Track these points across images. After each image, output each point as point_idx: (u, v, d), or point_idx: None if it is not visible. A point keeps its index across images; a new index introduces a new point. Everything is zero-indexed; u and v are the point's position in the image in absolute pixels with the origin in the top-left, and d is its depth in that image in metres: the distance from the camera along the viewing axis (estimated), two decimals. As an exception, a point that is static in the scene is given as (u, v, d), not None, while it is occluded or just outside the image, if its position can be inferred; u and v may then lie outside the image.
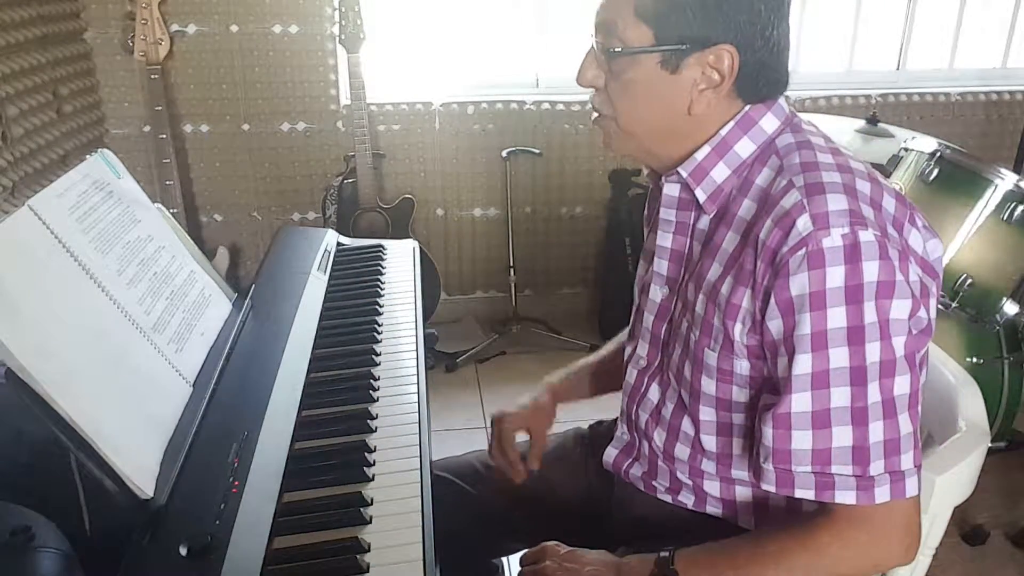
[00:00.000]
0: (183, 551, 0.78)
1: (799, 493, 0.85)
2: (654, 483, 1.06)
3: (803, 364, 0.82)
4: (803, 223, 0.81)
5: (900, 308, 0.81)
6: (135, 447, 0.86)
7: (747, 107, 0.92)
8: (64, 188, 0.98)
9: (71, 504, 0.80)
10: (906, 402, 0.83)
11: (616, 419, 1.18)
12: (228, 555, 0.79)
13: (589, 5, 0.93)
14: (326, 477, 0.99)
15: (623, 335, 1.23)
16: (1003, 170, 1.89)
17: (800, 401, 0.83)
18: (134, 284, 1.02)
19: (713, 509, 1.02)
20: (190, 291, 1.14)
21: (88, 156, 1.06)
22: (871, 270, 0.80)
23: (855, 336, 0.80)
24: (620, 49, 0.89)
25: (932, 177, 1.97)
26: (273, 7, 2.65)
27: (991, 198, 1.89)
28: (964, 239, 1.90)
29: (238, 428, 0.97)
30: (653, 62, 0.88)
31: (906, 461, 0.83)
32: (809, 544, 0.86)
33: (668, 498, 1.05)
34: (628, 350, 1.11)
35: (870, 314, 0.80)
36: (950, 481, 0.97)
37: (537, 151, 2.89)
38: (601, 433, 1.24)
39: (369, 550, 0.88)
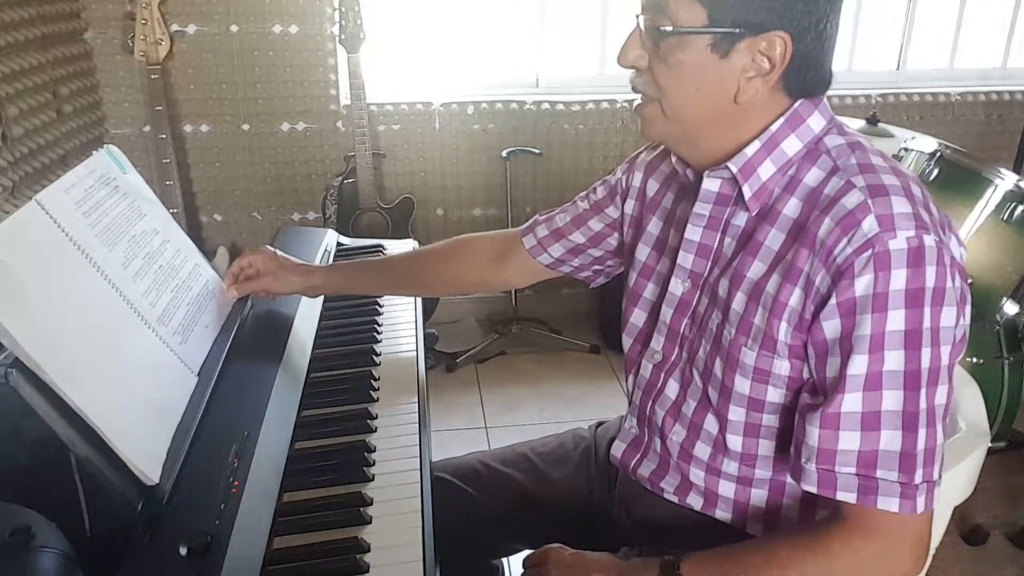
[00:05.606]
0: (183, 551, 0.78)
1: (841, 496, 0.83)
2: (661, 484, 1.05)
3: (858, 365, 0.81)
4: (869, 224, 0.80)
5: (949, 316, 0.81)
6: (141, 434, 0.86)
7: (796, 104, 0.90)
8: (71, 183, 0.99)
9: (71, 504, 0.80)
10: (943, 412, 0.83)
11: (621, 416, 1.18)
12: (228, 555, 0.79)
13: (589, 5, 0.93)
14: (326, 477, 0.99)
15: (431, 247, 1.32)
16: (1003, 170, 1.90)
17: (851, 401, 0.81)
18: (140, 277, 1.03)
19: (722, 514, 1.00)
20: (195, 284, 1.15)
21: (94, 152, 1.07)
22: (931, 275, 0.79)
23: (912, 340, 0.80)
24: (671, 29, 0.85)
25: (932, 177, 1.97)
26: (273, 7, 2.65)
27: (991, 198, 1.90)
28: (964, 239, 1.88)
29: (238, 427, 0.97)
30: (703, 44, 0.85)
31: (937, 472, 0.83)
32: (819, 551, 0.85)
33: (675, 499, 1.04)
34: (628, 340, 1.09)
35: (926, 319, 0.80)
36: (950, 481, 0.96)
37: (537, 151, 2.89)
38: (603, 434, 1.23)
39: (369, 550, 0.88)
